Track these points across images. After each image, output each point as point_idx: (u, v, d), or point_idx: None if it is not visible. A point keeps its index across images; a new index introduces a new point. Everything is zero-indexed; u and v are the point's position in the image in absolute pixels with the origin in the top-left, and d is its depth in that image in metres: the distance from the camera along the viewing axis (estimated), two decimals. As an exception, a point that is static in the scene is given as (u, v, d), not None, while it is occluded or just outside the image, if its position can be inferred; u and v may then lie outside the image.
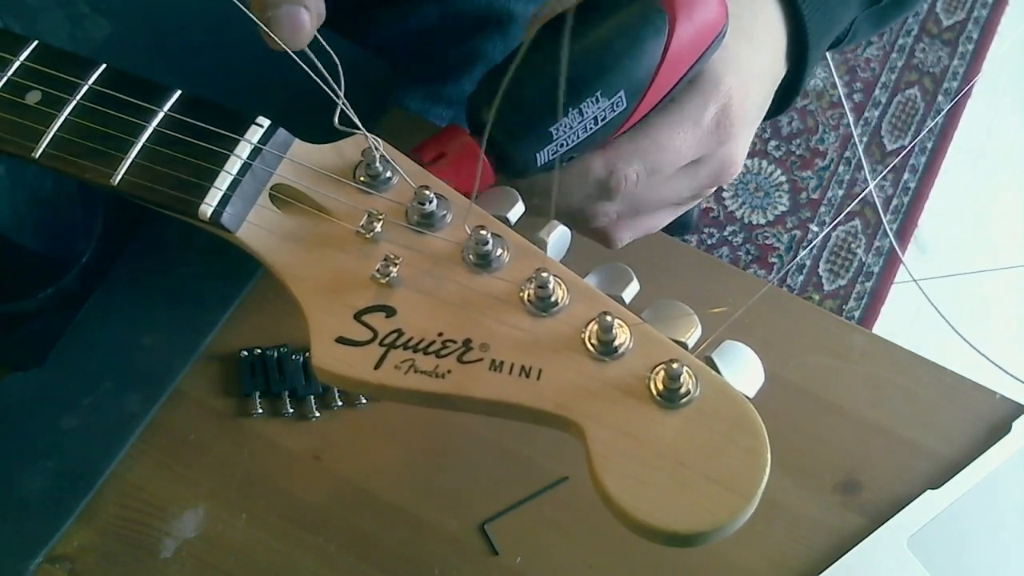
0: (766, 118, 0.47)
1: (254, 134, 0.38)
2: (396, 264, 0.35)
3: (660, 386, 0.33)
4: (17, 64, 0.39)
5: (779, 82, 0.46)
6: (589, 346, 0.34)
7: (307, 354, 0.48)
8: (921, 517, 0.46)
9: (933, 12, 1.61)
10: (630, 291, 0.35)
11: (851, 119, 1.49)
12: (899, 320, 1.37)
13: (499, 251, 0.35)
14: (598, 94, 0.39)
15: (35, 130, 0.38)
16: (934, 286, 0.36)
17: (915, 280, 0.36)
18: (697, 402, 0.33)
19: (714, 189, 0.45)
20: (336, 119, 0.36)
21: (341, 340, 0.34)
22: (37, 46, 0.39)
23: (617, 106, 0.39)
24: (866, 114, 1.52)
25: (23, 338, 0.48)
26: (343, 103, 0.35)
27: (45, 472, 0.46)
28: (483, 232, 0.35)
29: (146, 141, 0.37)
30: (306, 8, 0.36)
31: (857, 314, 1.38)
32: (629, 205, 0.43)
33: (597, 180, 0.41)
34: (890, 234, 1.39)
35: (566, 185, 0.42)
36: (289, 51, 0.36)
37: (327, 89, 0.35)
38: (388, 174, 0.37)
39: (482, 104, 0.40)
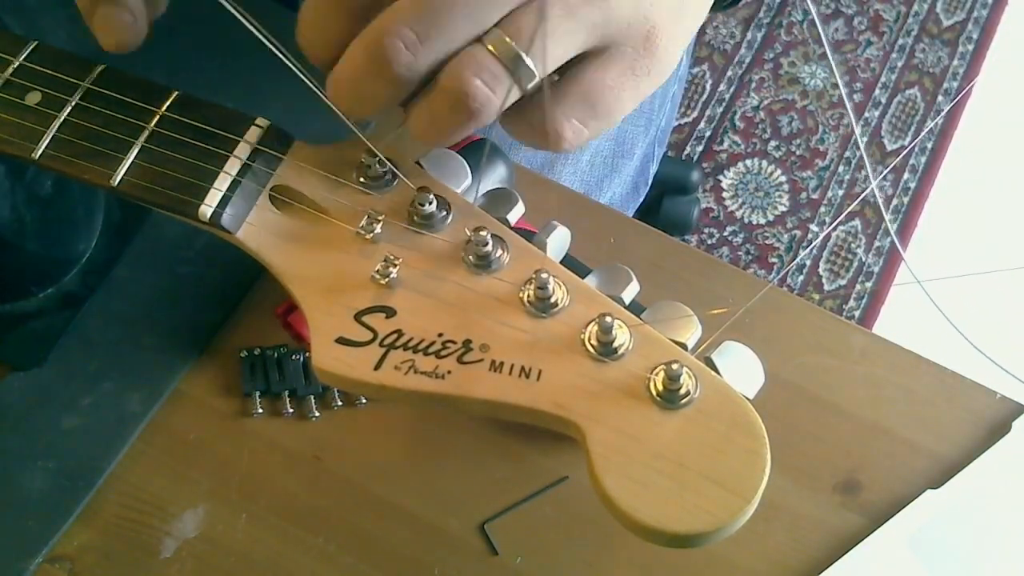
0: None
1: (253, 135, 0.38)
2: (396, 265, 0.35)
3: (660, 387, 0.33)
4: (17, 64, 0.39)
5: None
6: (589, 347, 0.34)
7: (307, 354, 0.48)
8: (921, 517, 0.46)
9: (933, 12, 1.61)
10: (630, 291, 0.35)
11: (852, 118, 1.49)
12: (899, 320, 1.36)
13: (499, 252, 0.35)
14: None
15: (35, 131, 0.38)
16: (935, 287, 0.36)
17: (919, 281, 0.36)
18: (697, 403, 0.33)
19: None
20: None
21: (341, 341, 0.34)
22: (37, 46, 0.39)
23: None
24: (866, 114, 1.52)
25: (23, 338, 0.48)
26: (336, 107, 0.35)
27: (45, 472, 0.46)
28: (483, 233, 0.35)
29: (145, 142, 0.37)
30: (128, 10, 0.37)
31: (857, 314, 1.38)
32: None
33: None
34: (892, 233, 1.39)
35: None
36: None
37: (320, 94, 0.35)
38: (388, 175, 0.37)
39: None
